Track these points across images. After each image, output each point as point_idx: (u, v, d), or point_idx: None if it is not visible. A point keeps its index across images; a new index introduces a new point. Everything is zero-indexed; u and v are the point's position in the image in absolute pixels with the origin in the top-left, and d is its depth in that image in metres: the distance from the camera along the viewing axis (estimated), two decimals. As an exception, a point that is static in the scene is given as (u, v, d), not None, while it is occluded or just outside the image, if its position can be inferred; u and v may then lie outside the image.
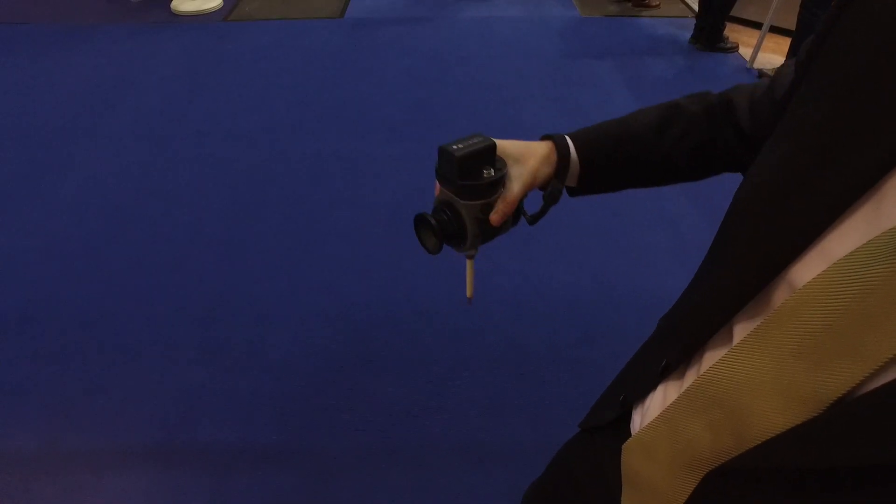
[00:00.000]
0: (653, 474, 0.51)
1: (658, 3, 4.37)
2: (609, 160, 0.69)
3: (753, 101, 0.62)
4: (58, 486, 1.61)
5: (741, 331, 0.44)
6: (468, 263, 0.73)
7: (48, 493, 1.59)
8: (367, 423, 1.77)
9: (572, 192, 0.73)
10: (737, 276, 0.45)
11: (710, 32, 3.70)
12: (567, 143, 0.68)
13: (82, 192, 2.65)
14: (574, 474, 0.77)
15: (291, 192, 2.64)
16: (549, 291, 2.17)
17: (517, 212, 0.68)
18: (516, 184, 0.65)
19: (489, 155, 0.63)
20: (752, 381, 0.40)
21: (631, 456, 0.55)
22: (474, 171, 0.62)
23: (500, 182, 0.64)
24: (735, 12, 3.75)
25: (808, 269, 0.37)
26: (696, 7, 3.93)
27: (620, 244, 2.36)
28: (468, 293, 0.74)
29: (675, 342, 0.53)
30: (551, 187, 0.68)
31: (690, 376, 0.50)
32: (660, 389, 0.55)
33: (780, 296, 0.40)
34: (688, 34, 3.88)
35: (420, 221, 0.68)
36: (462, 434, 1.74)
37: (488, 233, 0.67)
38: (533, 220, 0.70)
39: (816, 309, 0.35)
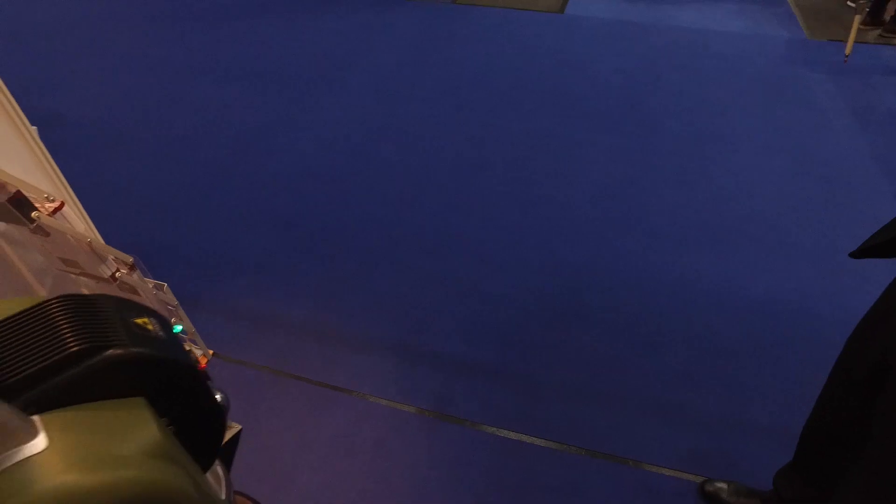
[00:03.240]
0: None
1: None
2: None
3: None
4: (320, 351, 2.00)
5: None
6: (855, 20, 0.89)
7: (314, 354, 1.99)
8: (572, 364, 1.98)
9: None
10: None
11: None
12: None
13: (330, 132, 3.13)
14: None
15: (510, 158, 2.92)
16: (750, 293, 2.25)
17: None
18: None
19: None
20: None
21: None
22: None
23: None
24: None
25: None
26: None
27: (824, 263, 2.37)
28: (847, 50, 0.89)
29: None
30: None
31: None
32: None
33: None
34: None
35: None
36: (655, 393, 1.90)
37: None
38: None
39: None
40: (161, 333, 0.49)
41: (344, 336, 2.06)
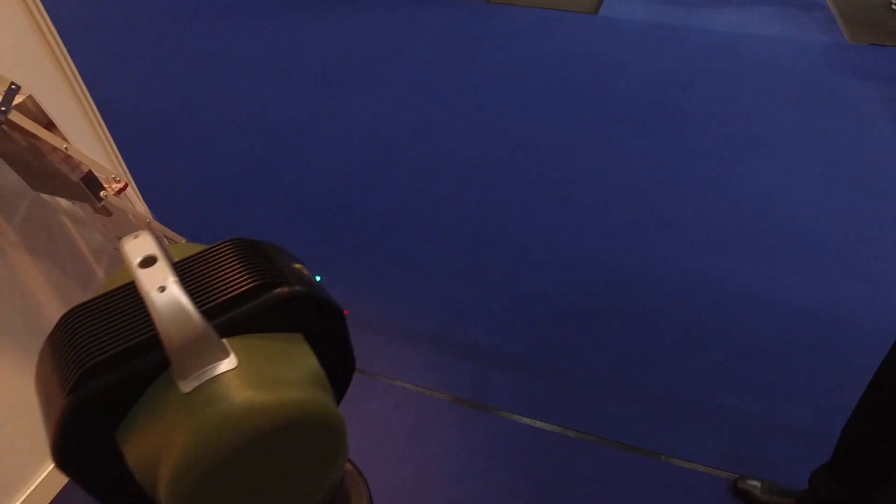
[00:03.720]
0: None
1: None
2: None
3: None
4: (357, 338, 2.02)
5: None
6: None
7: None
8: (606, 359, 2.00)
9: None
10: None
11: None
12: None
13: (366, 127, 3.18)
14: None
15: (544, 157, 2.94)
16: (786, 297, 2.24)
17: None
18: None
19: None
20: None
21: None
22: None
23: None
24: None
25: None
26: None
27: (861, 270, 2.34)
28: None
29: None
30: None
31: None
32: None
33: None
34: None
35: None
36: (688, 391, 1.91)
37: None
38: None
39: None
40: (313, 280, 0.54)
41: (381, 325, 2.11)
